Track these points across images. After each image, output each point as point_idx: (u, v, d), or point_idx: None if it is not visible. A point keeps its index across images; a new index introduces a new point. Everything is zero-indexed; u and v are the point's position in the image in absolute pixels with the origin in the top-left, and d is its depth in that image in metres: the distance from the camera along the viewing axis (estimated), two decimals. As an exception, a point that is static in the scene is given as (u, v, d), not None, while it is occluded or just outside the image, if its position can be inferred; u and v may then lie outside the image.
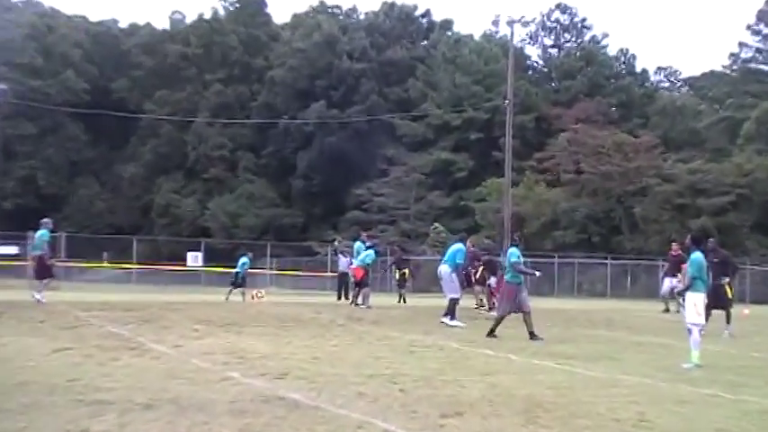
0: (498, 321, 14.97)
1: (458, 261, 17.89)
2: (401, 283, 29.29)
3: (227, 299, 27.02)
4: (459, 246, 18.29)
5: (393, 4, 79.40)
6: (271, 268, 51.55)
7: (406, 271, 29.55)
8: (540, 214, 52.88)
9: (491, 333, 14.77)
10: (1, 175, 73.53)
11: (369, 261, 24.05)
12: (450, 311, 17.66)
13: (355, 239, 28.63)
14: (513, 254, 15.25)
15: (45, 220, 22.51)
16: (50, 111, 71.49)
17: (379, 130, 69.88)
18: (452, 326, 17.01)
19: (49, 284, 21.59)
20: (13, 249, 42.49)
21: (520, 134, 56.53)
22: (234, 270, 29.95)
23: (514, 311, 15.01)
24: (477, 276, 23.19)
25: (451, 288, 17.74)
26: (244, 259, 29.69)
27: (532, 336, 14.67)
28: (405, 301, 27.46)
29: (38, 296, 20.56)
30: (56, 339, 12.11)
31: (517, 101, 50.22)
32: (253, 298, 28.00)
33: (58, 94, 77.44)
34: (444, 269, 17.90)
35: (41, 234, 21.70)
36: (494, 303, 22.79)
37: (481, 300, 23.34)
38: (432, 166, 64.40)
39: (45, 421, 6.20)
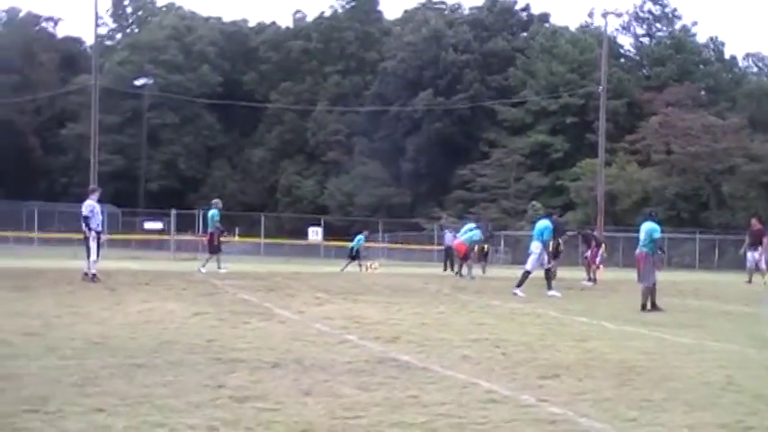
0: (651, 293, 14.15)
1: (545, 237, 17.58)
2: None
3: (342, 270, 27.33)
4: (545, 222, 17.94)
5: (495, 0, 78.29)
6: (383, 242, 51.85)
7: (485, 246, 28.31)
8: (631, 192, 51.75)
9: (654, 307, 13.88)
10: (147, 160, 76.19)
11: (476, 239, 24.09)
12: (547, 282, 17.48)
13: (461, 217, 28.60)
14: (656, 230, 14.45)
15: (215, 200, 23.49)
16: (189, 102, 73.46)
17: (481, 116, 69.35)
18: (550, 295, 16.81)
19: (218, 258, 22.09)
20: (158, 225, 43.98)
21: (612, 118, 55.15)
22: (350, 245, 30.34)
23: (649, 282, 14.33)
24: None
25: (534, 262, 17.47)
26: (360, 236, 30.11)
27: (653, 306, 14.08)
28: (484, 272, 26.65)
29: (203, 269, 21.20)
30: (196, 305, 12.47)
31: (610, 87, 48.96)
32: (367, 269, 28.27)
33: (196, 87, 79.49)
34: (535, 245, 17.64)
35: (212, 214, 22.40)
36: (591, 276, 22.52)
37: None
38: (530, 148, 63.63)
39: (187, 376, 6.40)
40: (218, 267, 21.59)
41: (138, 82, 71.53)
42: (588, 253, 22.78)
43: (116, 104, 72.58)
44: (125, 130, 77.35)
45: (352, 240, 30.36)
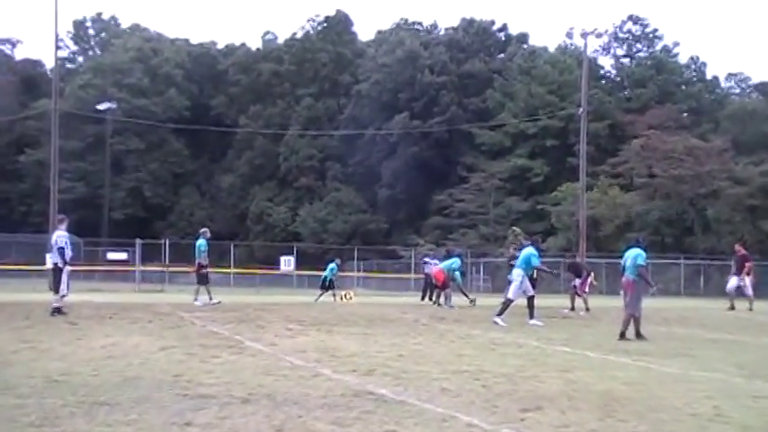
0: (635, 322, 14.18)
1: (532, 264, 17.69)
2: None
3: (316, 300, 27.29)
4: (530, 250, 18.08)
5: (472, 20, 79.03)
6: (358, 271, 51.78)
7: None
8: (614, 217, 52.15)
9: (638, 336, 14.00)
10: (111, 187, 75.79)
11: (455, 267, 24.20)
12: (530, 310, 17.52)
13: (438, 244, 28.74)
14: (640, 256, 14.42)
15: (203, 230, 23.26)
16: (155, 127, 73.29)
17: (458, 140, 69.78)
18: (531, 324, 16.85)
19: (207, 290, 21.97)
20: (122, 255, 43.67)
21: (594, 141, 55.71)
22: (323, 274, 30.25)
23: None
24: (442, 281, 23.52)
25: (516, 289, 17.53)
26: (332, 265, 30.00)
27: (638, 335, 14.20)
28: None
29: (197, 302, 21.17)
30: (162, 338, 12.37)
31: (591, 109, 49.48)
32: (342, 299, 28.19)
33: (162, 111, 79.41)
34: (516, 272, 17.72)
35: (200, 244, 22.29)
36: (574, 306, 22.61)
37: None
38: (509, 172, 64.06)
39: (153, 414, 6.33)
40: (209, 299, 21.52)
41: (102, 106, 71.26)
42: (576, 282, 22.85)
43: (78, 129, 72.30)
44: (87, 156, 77.01)
45: (325, 269, 30.31)
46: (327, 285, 29.31)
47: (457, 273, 24.69)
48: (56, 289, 16.91)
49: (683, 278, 44.33)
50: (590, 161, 46.00)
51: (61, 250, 16.80)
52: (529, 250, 18.02)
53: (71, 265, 17.74)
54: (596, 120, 59.28)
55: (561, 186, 56.47)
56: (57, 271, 16.98)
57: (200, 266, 22.18)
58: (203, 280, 22.24)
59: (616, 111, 65.73)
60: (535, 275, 19.90)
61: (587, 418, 6.60)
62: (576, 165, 45.12)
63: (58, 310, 16.51)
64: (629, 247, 15.10)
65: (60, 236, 17.03)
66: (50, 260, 17.69)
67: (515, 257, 23.58)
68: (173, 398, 7.07)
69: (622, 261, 14.89)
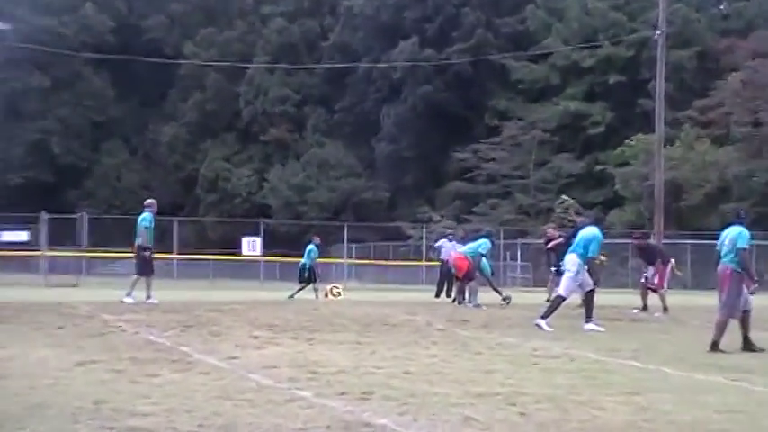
0: (723, 328, 14.24)
1: (591, 253, 17.54)
2: None
3: (291, 296, 27.36)
4: (593, 231, 17.84)
5: None
6: (349, 257, 51.91)
7: None
8: (702, 181, 52.05)
9: (714, 347, 14.02)
10: (4, 142, 75.47)
11: (483, 251, 24.10)
12: (586, 311, 17.53)
13: (459, 220, 28.79)
14: (742, 236, 14.29)
15: (149, 201, 23.27)
16: (66, 57, 72.96)
17: (487, 76, 69.59)
18: (588, 330, 16.90)
19: (147, 283, 22.34)
20: (22, 236, 43.67)
21: (675, 76, 55.52)
22: (301, 261, 30.22)
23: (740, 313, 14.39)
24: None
25: (569, 283, 17.46)
26: (310, 246, 29.91)
27: (747, 342, 14.25)
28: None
29: (129, 299, 21.49)
30: (78, 350, 12.37)
31: (672, 31, 49.20)
32: (327, 295, 28.23)
33: (75, 35, 79.07)
34: (570, 260, 17.62)
35: (142, 219, 22.36)
36: (644, 305, 22.65)
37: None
38: (558, 120, 63.97)
39: (67, 454, 6.35)
40: (147, 296, 21.79)
41: (-10, 28, 70.97)
42: (650, 272, 22.86)
43: (-43, 61, 72.13)
44: (-29, 97, 76.87)
45: (302, 254, 30.33)
46: (307, 277, 29.36)
47: (484, 260, 24.70)
48: None
49: (798, 266, 44.36)
50: (670, 104, 45.74)
51: None
52: (592, 231, 17.84)
53: None
54: (679, 46, 59.07)
55: (630, 140, 56.31)
56: None
57: (142, 250, 22.25)
58: (145, 269, 22.32)
59: (707, 33, 65.50)
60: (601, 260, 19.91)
61: (665, 458, 6.62)
62: (651, 109, 44.94)
63: None
64: (727, 225, 15.00)
65: None
66: None
67: (555, 240, 23.67)
68: (94, 432, 7.09)
69: (718, 244, 14.82)
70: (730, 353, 13.77)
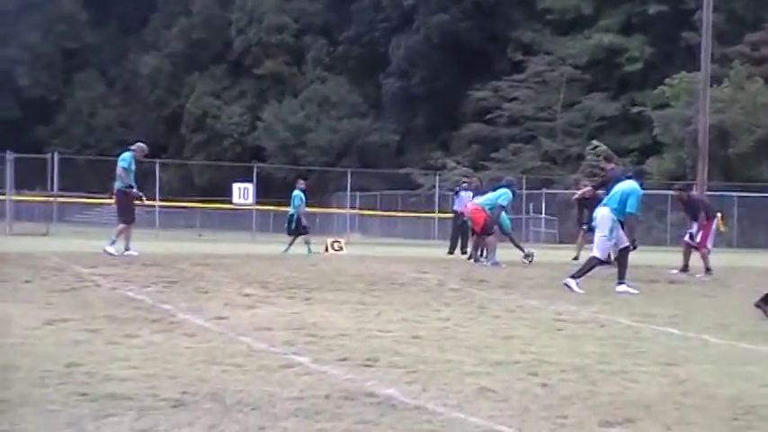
0: None
1: (629, 209, 17.48)
2: None
3: (286, 251, 27.49)
4: (632, 185, 17.80)
5: None
6: (352, 207, 51.92)
7: None
8: (753, 126, 51.89)
9: (765, 301, 14.07)
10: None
11: (503, 203, 24.05)
12: (619, 271, 17.54)
13: (476, 168, 28.73)
14: None
15: (136, 145, 23.30)
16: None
17: (510, 3, 69.25)
18: (620, 292, 16.91)
19: (126, 231, 22.45)
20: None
21: (725, 5, 55.15)
22: (288, 211, 30.29)
23: None
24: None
25: (603, 243, 17.45)
26: (294, 193, 29.91)
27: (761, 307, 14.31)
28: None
29: (110, 248, 21.59)
30: (48, 307, 12.40)
31: (721, -45, 48.99)
32: (327, 249, 28.29)
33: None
34: (603, 215, 17.59)
35: (122, 159, 22.45)
36: (687, 264, 22.66)
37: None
38: (590, 55, 63.74)
39: (33, 422, 6.36)
40: (126, 248, 21.89)
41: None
42: (693, 228, 22.85)
43: None
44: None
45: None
46: (295, 228, 29.46)
47: (504, 213, 24.69)
48: None
49: None
50: (718, 38, 45.58)
51: None
52: (631, 185, 17.79)
53: None
54: (729, -28, 58.74)
55: (671, 78, 56.09)
56: None
57: (123, 196, 22.35)
58: (128, 217, 22.44)
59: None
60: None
61: (705, 436, 6.64)
62: (696, 44, 44.74)
63: None
64: None
65: None
66: None
67: (599, 188, 23.56)
68: (65, 398, 7.11)
69: None
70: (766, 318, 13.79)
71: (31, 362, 8.53)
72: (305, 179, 33.24)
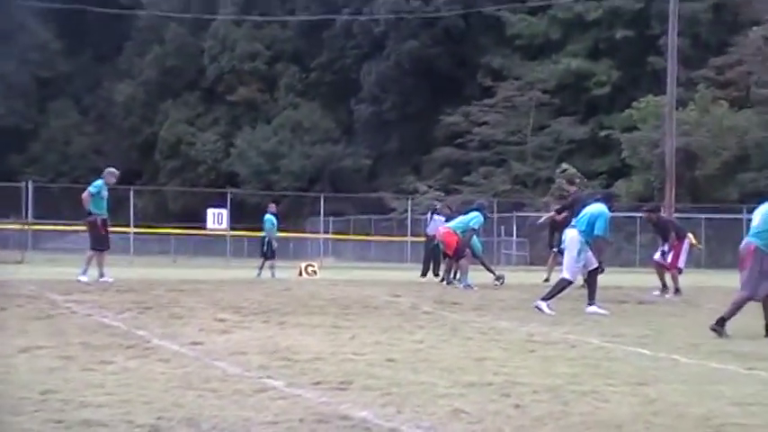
0: (739, 307, 14.42)
1: (597, 232, 17.54)
2: None
3: (258, 275, 27.54)
4: (600, 208, 17.87)
5: None
6: (326, 231, 51.95)
7: None
8: (719, 148, 52.18)
9: (721, 322, 14.26)
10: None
11: (475, 226, 24.08)
12: (589, 292, 17.60)
13: (447, 191, 28.75)
14: None
15: (109, 170, 23.12)
16: (7, 4, 72.51)
17: (480, 30, 69.58)
18: (590, 313, 16.96)
19: (99, 261, 22.30)
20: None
21: (690, 30, 55.58)
22: (261, 235, 30.48)
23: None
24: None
25: (572, 264, 17.51)
26: (267, 216, 30.19)
27: (720, 323, 14.40)
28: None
29: (83, 277, 21.41)
30: (23, 334, 12.36)
31: (685, -19, 49.33)
32: (301, 274, 28.30)
33: (19, -20, 78.68)
34: (571, 236, 17.67)
35: (93, 186, 22.32)
36: (665, 284, 22.71)
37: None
38: (558, 80, 64.00)
39: (10, 450, 6.35)
40: (100, 275, 21.84)
41: None
42: (666, 248, 22.90)
43: None
44: None
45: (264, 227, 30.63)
46: (265, 251, 29.65)
47: (475, 237, 24.72)
48: None
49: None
50: (683, 63, 45.85)
51: None
52: (599, 207, 17.85)
53: None
54: (694, -3, 59.18)
55: (638, 102, 56.42)
56: None
57: (94, 224, 22.27)
58: (101, 243, 22.35)
59: (725, -17, 65.59)
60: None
61: (675, 455, 6.66)
62: (662, 68, 45.03)
63: None
64: (760, 201, 15.13)
65: None
66: None
67: (562, 212, 23.62)
68: (40, 426, 7.08)
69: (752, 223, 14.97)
70: (735, 338, 13.85)
71: (5, 389, 8.49)
72: (276, 203, 33.41)
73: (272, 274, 28.27)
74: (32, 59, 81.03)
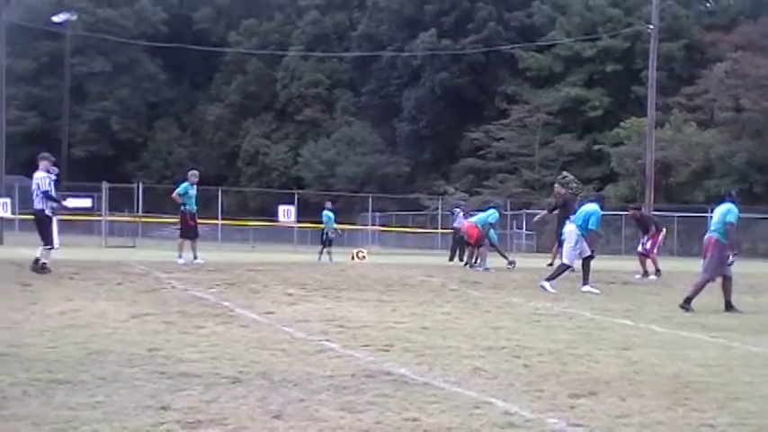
0: (701, 287, 14.51)
1: (590, 226, 17.51)
2: None
3: (319, 259, 27.63)
4: (594, 207, 17.81)
5: None
6: (373, 224, 51.89)
7: None
8: (689, 160, 51.84)
9: (729, 307, 14.36)
10: (71, 119, 75.68)
11: (492, 221, 24.07)
12: (584, 274, 17.53)
13: (471, 193, 28.60)
14: (731, 212, 14.44)
15: (191, 172, 23.21)
16: (125, 45, 73.00)
17: (497, 64, 69.27)
18: (585, 292, 16.89)
19: (191, 245, 22.30)
20: (86, 202, 43.76)
21: (666, 65, 55.19)
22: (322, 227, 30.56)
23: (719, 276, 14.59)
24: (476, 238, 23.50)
25: (570, 252, 17.46)
26: (326, 212, 30.50)
27: (729, 306, 14.38)
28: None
29: (180, 260, 21.45)
30: (134, 304, 12.45)
31: (663, 25, 48.92)
32: (353, 258, 28.29)
33: (134, 25, 79.18)
34: (569, 229, 17.67)
35: (181, 188, 22.48)
36: (651, 269, 22.56)
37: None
38: (560, 104, 63.61)
39: (123, 395, 6.38)
40: (194, 257, 21.84)
41: (59, 18, 70.97)
42: (645, 239, 22.77)
43: (29, 47, 72.25)
44: (41, 79, 76.99)
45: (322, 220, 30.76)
46: (324, 240, 29.78)
47: (492, 230, 24.64)
48: (45, 240, 17.48)
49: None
50: (661, 91, 45.55)
51: (47, 194, 17.53)
52: (592, 207, 17.82)
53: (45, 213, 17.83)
54: (670, 39, 58.66)
55: (624, 122, 56.14)
56: (43, 220, 17.67)
57: (184, 216, 22.34)
58: (185, 233, 22.40)
59: (695, 28, 64.94)
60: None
61: (652, 406, 6.61)
62: (644, 95, 44.75)
63: (43, 267, 17.07)
64: (720, 201, 15.16)
65: (42, 177, 17.58)
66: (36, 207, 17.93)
67: (559, 207, 23.45)
68: (147, 376, 7.12)
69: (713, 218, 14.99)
70: (701, 312, 13.81)
71: (120, 347, 8.56)
72: (333, 201, 33.57)
73: (330, 259, 28.22)
74: (143, 87, 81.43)
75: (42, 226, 17.64)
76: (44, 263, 17.14)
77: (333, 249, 29.86)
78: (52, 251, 17.59)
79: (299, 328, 10.49)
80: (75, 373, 7.13)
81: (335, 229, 30.74)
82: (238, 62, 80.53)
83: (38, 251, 17.58)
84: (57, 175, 18.47)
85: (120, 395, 6.38)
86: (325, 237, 29.93)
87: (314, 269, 21.47)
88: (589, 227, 17.47)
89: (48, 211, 17.63)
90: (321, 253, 29.21)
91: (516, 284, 18.43)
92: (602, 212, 18.15)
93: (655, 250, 22.75)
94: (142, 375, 7.15)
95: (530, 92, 65.64)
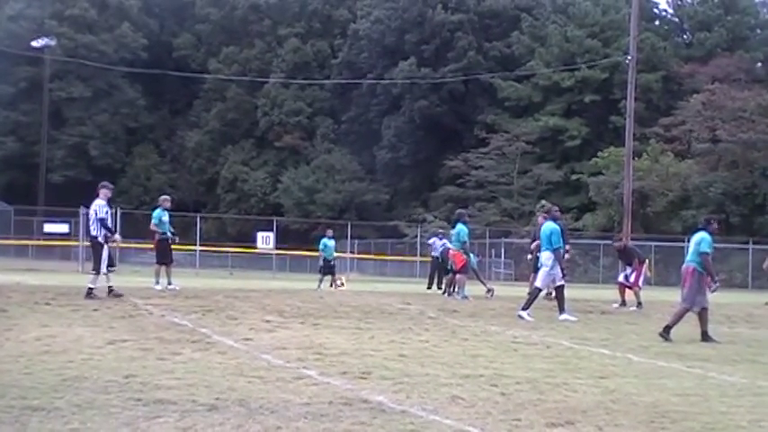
0: (680, 317, 14.54)
1: (555, 245, 17.55)
2: None
3: (318, 288, 27.30)
4: (551, 225, 17.92)
5: (495, -55, 78.64)
6: (352, 252, 51.87)
7: None
8: (666, 190, 52.16)
9: (705, 337, 14.35)
10: (49, 144, 75.56)
11: (465, 238, 23.71)
12: (559, 303, 17.56)
13: (449, 221, 28.50)
14: (705, 241, 14.48)
15: (163, 197, 23.40)
16: (104, 70, 73.01)
17: (477, 93, 69.67)
18: (562, 320, 16.91)
19: (167, 272, 22.33)
20: (63, 227, 43.68)
21: (644, 96, 55.69)
22: (324, 255, 30.34)
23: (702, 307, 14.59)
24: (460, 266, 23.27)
25: (545, 277, 17.52)
26: (325, 240, 30.34)
27: (706, 336, 14.41)
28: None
29: (158, 286, 21.54)
30: (110, 330, 12.38)
31: (641, 57, 49.35)
32: (331, 286, 28.24)
33: (114, 51, 79.03)
34: (545, 256, 17.72)
35: (154, 218, 22.69)
36: (624, 300, 22.58)
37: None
38: (539, 133, 64.00)
39: (98, 422, 6.35)
40: (168, 283, 21.80)
41: (38, 43, 71.00)
42: (629, 271, 22.75)
43: (8, 71, 71.98)
44: (20, 104, 76.71)
45: (318, 248, 30.57)
46: (322, 267, 29.68)
47: (472, 255, 24.52)
48: (96, 268, 18.17)
49: (752, 267, 44.22)
50: (638, 121, 45.86)
51: (104, 222, 18.19)
52: (549, 225, 17.93)
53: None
54: (647, 70, 59.20)
55: (602, 152, 56.49)
56: (95, 246, 18.40)
57: (159, 242, 22.33)
58: (161, 258, 22.36)
59: (672, 59, 65.58)
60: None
61: (629, 435, 6.62)
62: (621, 126, 45.09)
63: (89, 292, 17.57)
64: (695, 230, 15.20)
65: (100, 205, 18.30)
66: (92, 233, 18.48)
67: (534, 241, 23.47)
68: (123, 403, 7.09)
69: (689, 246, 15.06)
70: (678, 342, 13.85)
71: (96, 374, 8.52)
72: (330, 228, 33.72)
73: (319, 287, 27.97)
74: (122, 113, 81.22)
75: (94, 252, 18.41)
76: (90, 288, 17.66)
77: (325, 279, 29.56)
78: (99, 277, 18.10)
79: (276, 355, 10.47)
80: (50, 400, 7.09)
81: (333, 258, 30.61)
82: (218, 89, 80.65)
83: (91, 278, 18.12)
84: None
85: (95, 422, 6.35)
86: (323, 265, 29.85)
87: (293, 296, 21.42)
88: (553, 246, 17.51)
89: (101, 238, 18.20)
90: (321, 281, 28.99)
91: (494, 313, 18.43)
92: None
93: (640, 283, 22.69)
94: (118, 402, 7.11)
95: (509, 121, 66.04)
